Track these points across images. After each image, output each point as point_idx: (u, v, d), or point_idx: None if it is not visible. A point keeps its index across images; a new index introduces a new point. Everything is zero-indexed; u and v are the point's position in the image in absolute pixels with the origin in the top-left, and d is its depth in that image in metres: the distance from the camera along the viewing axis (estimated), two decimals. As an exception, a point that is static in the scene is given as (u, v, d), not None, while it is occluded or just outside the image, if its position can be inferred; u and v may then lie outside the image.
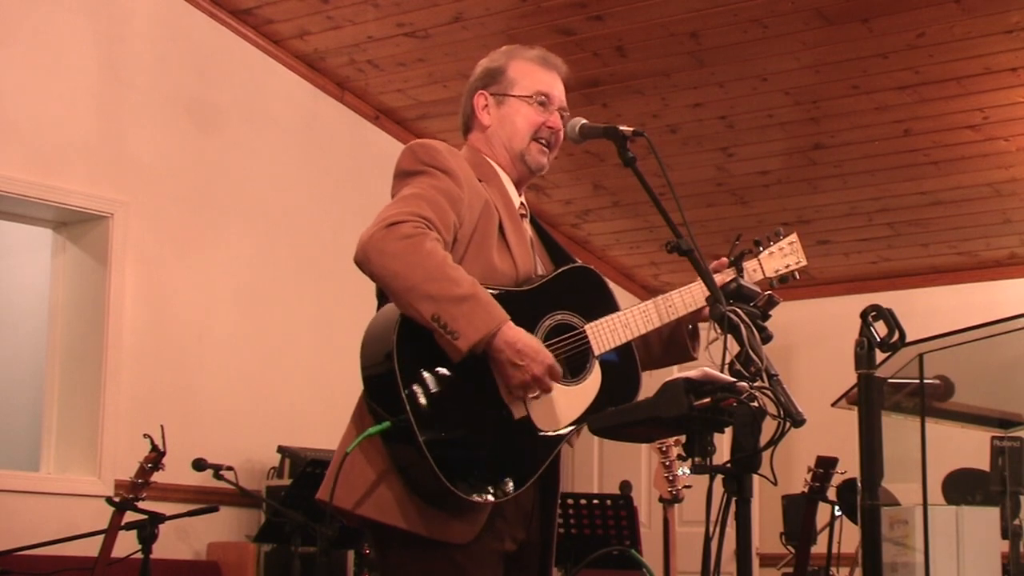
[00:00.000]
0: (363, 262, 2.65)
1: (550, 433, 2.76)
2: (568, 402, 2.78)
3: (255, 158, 6.67)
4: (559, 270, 2.91)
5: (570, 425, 2.78)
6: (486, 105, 2.99)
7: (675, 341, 3.07)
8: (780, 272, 3.17)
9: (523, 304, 2.77)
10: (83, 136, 6.02)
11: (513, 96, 2.97)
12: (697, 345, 3.10)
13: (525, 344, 2.65)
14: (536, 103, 2.96)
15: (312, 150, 6.95)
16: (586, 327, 2.84)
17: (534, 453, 2.75)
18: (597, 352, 2.84)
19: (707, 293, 2.88)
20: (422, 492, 2.66)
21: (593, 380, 2.84)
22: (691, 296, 2.97)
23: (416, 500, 2.67)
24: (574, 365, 2.81)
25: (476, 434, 2.68)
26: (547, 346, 2.75)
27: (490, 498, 2.68)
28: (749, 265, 3.11)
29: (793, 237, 3.22)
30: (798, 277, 3.22)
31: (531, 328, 2.76)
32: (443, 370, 2.64)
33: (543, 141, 2.97)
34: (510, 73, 2.98)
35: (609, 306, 2.92)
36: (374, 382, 2.69)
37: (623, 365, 2.90)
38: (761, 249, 3.16)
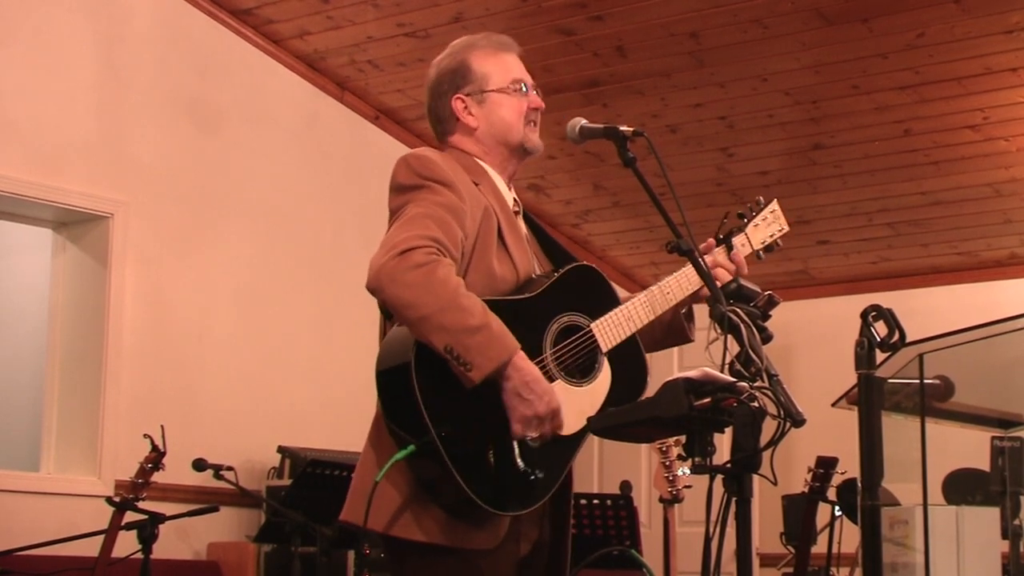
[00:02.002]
0: (376, 290, 2.64)
1: (568, 436, 2.77)
2: (583, 401, 2.78)
3: (255, 158, 6.67)
4: (559, 273, 2.91)
5: (587, 425, 2.78)
6: (466, 107, 2.96)
7: (673, 325, 3.08)
8: (766, 243, 3.19)
9: (529, 312, 2.77)
10: (83, 136, 6.01)
11: (492, 91, 2.95)
12: (693, 327, 3.11)
13: (536, 381, 2.65)
14: (515, 91, 2.96)
15: (312, 150, 6.95)
16: (592, 325, 2.85)
17: (554, 459, 2.75)
18: (605, 349, 2.85)
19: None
20: (447, 507, 2.67)
21: (604, 377, 2.84)
22: (687, 279, 2.98)
23: (439, 514, 2.67)
24: (585, 365, 2.82)
25: (498, 447, 2.67)
26: (556, 350, 2.77)
27: (517, 510, 2.69)
28: (737, 241, 3.12)
29: (774, 205, 3.22)
30: (780, 244, 3.23)
31: (541, 334, 2.77)
32: (461, 387, 2.63)
33: (532, 123, 2.98)
34: (476, 68, 2.96)
35: (611, 301, 2.92)
36: (393, 403, 2.68)
37: (630, 357, 2.91)
38: (747, 222, 3.16)
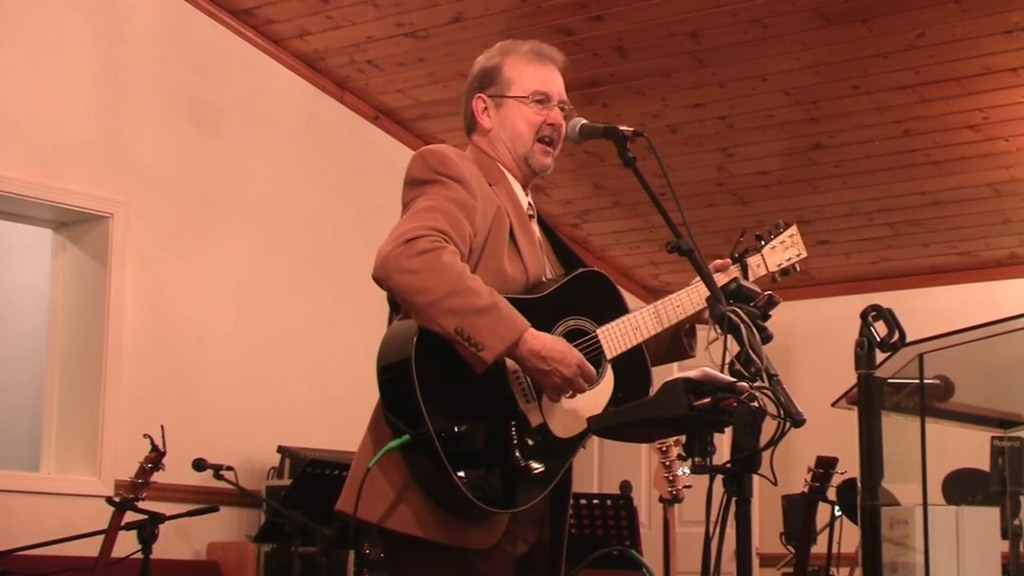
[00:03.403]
0: (382, 279, 2.66)
1: (566, 438, 2.77)
2: (584, 406, 2.79)
3: (255, 158, 6.67)
4: (570, 275, 2.92)
5: (587, 429, 2.79)
6: (485, 108, 2.98)
7: (675, 340, 3.09)
8: (782, 266, 3.19)
9: (536, 311, 2.77)
10: (83, 136, 6.01)
11: (510, 97, 2.95)
12: (694, 343, 3.12)
13: (550, 349, 2.67)
14: (534, 102, 2.95)
15: (312, 150, 6.95)
16: (598, 331, 2.85)
17: (552, 459, 2.76)
18: (609, 356, 2.85)
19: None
20: (442, 502, 2.67)
21: (606, 384, 2.86)
22: (698, 295, 2.98)
23: (436, 510, 2.68)
24: None
25: (494, 444, 2.69)
26: None
27: (511, 508, 2.70)
28: (752, 261, 3.12)
29: (793, 229, 3.23)
30: (798, 269, 3.24)
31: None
32: (460, 382, 2.65)
33: (546, 140, 2.97)
34: (506, 73, 2.97)
35: (619, 309, 2.93)
36: (392, 394, 2.69)
37: (634, 366, 2.92)
38: (763, 244, 3.17)
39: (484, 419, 2.68)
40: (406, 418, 2.64)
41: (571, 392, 2.73)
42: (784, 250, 3.20)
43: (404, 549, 2.74)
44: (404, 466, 2.69)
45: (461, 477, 2.61)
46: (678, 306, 2.97)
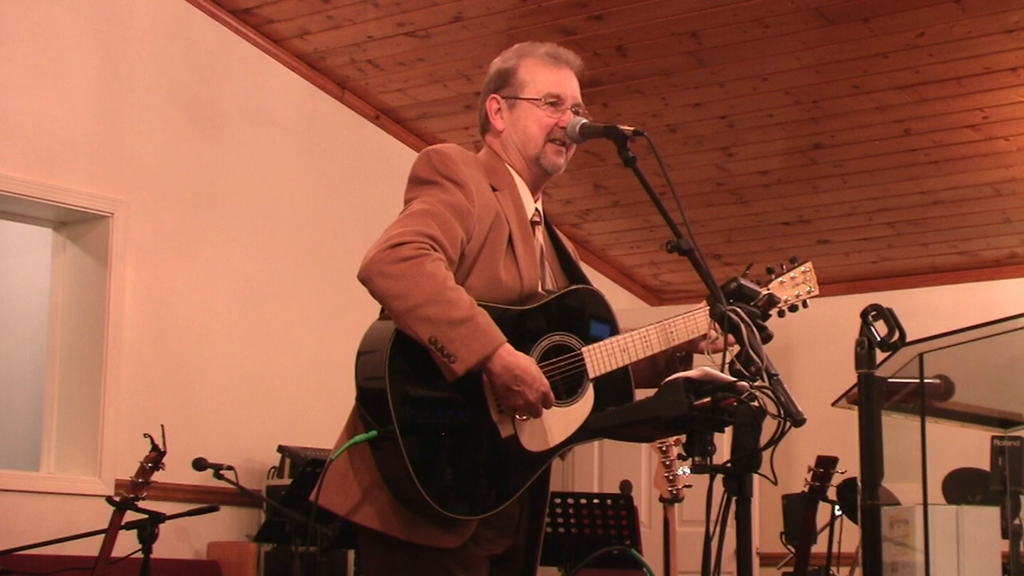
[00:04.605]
0: (365, 281, 2.68)
1: (536, 452, 2.77)
2: (558, 422, 2.78)
3: (255, 158, 6.67)
4: (562, 292, 2.91)
5: (558, 445, 2.79)
6: (498, 109, 2.98)
7: (669, 367, 3.05)
8: (790, 302, 3.13)
9: (522, 323, 2.78)
10: (83, 136, 6.01)
11: (523, 99, 2.96)
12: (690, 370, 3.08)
13: (523, 370, 2.67)
14: (547, 104, 2.95)
15: (312, 150, 6.95)
16: (583, 349, 2.84)
17: (519, 471, 2.76)
18: (592, 375, 2.84)
19: (708, 321, 2.88)
20: (406, 502, 2.68)
21: (585, 402, 2.84)
22: (694, 322, 2.96)
23: (401, 508, 2.69)
24: (568, 386, 2.82)
25: (461, 450, 2.69)
26: (541, 366, 2.76)
27: (469, 515, 2.69)
28: None
29: (807, 266, 3.17)
30: (808, 306, 3.17)
31: (528, 348, 2.77)
32: (433, 385, 2.66)
33: (558, 141, 2.96)
34: (520, 75, 2.97)
35: (610, 329, 2.92)
36: (366, 391, 2.71)
37: (618, 388, 2.90)
38: (773, 277, 3.13)
39: (454, 425, 2.69)
40: (376, 415, 2.66)
41: (527, 417, 2.72)
42: (794, 286, 3.14)
43: (377, 544, 2.75)
44: (372, 463, 2.71)
45: (422, 479, 2.61)
46: (671, 332, 2.95)
